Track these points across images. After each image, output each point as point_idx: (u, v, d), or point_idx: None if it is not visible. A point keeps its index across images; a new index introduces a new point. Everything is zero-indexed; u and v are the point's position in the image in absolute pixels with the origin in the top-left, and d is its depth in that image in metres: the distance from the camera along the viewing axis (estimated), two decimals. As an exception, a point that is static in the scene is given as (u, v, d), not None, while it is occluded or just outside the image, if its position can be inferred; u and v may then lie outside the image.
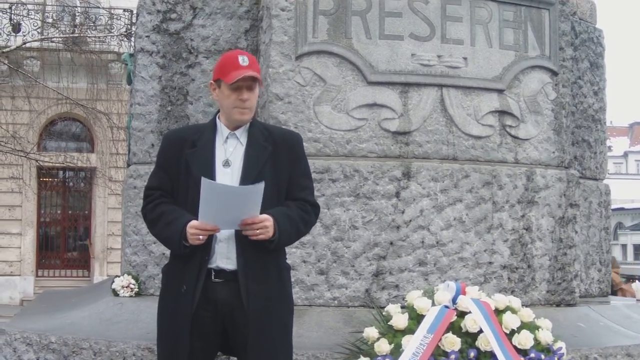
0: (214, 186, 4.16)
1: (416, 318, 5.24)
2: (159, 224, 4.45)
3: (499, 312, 5.29)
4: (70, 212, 29.43)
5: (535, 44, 7.68)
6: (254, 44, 7.67)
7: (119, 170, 23.99)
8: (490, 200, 7.22)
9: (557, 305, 7.43)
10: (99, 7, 25.99)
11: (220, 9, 7.76)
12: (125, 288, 7.50)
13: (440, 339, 5.09)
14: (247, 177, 4.32)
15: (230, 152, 4.42)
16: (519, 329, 5.22)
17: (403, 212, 7.00)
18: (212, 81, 4.55)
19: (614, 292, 12.94)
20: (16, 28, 25.25)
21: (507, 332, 5.19)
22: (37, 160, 24.60)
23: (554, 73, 7.72)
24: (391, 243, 6.95)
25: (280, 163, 4.42)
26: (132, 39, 18.40)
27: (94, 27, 25.99)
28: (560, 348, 5.29)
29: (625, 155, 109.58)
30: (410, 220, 7.01)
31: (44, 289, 19.27)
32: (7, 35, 25.35)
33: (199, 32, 7.79)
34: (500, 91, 7.46)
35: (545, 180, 7.46)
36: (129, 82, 8.70)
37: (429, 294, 5.42)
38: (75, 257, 29.09)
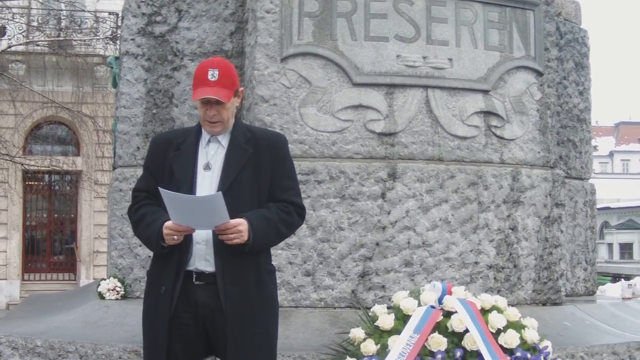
0: (172, 196, 4.18)
1: (402, 318, 5.25)
2: (141, 224, 4.47)
3: (485, 312, 5.31)
4: (56, 215, 29.32)
5: (521, 45, 7.70)
6: (239, 46, 7.67)
7: (105, 174, 23.95)
8: (476, 201, 7.24)
9: (543, 305, 7.46)
10: (84, 11, 25.92)
11: (206, 12, 7.76)
12: (111, 291, 7.49)
13: (427, 339, 5.10)
14: (225, 180, 4.32)
15: (211, 155, 4.43)
16: (505, 328, 5.24)
17: (389, 213, 7.01)
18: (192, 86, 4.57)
19: None
20: (1, 32, 25.16)
21: (493, 331, 5.20)
22: (22, 164, 24.49)
23: (539, 73, 7.74)
24: (377, 244, 6.96)
25: (261, 165, 4.41)
26: (118, 42, 18.38)
27: (79, 31, 25.92)
28: (547, 347, 5.31)
29: (611, 154, 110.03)
30: (396, 221, 7.02)
31: (30, 293, 19.22)
32: (-8, 38, 25.29)
33: (184, 35, 7.79)
34: (485, 92, 7.48)
35: (531, 180, 7.48)
36: (115, 85, 8.69)
37: (415, 294, 5.43)
38: (61, 260, 28.98)
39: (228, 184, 4.30)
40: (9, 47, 24.44)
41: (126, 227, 7.62)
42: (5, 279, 27.15)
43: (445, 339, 5.11)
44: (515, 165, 7.52)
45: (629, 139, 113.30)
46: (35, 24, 25.31)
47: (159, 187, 4.22)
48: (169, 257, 4.35)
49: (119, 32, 18.44)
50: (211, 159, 4.42)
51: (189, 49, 7.77)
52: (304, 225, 6.69)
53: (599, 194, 9.65)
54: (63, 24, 26.00)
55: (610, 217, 64.95)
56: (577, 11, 9.44)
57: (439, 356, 5.04)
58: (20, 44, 24.83)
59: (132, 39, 7.89)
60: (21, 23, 25.14)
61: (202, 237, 4.31)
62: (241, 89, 4.53)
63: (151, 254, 7.10)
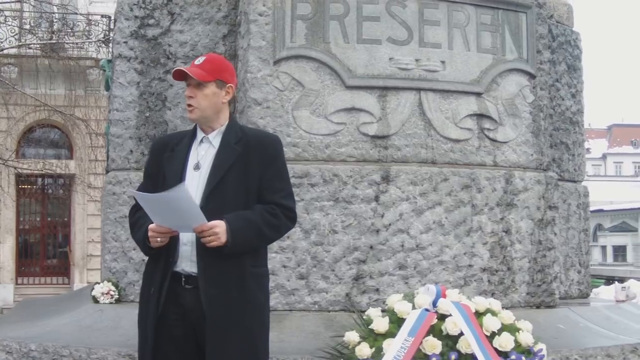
0: (143, 197, 4.21)
1: (397, 321, 5.25)
2: (134, 228, 4.52)
3: (479, 315, 5.30)
4: (49, 219, 29.29)
5: (513, 47, 7.71)
6: (232, 49, 7.67)
7: (98, 177, 23.91)
8: (469, 204, 7.24)
9: (537, 307, 7.46)
10: (76, 13, 25.88)
11: (198, 15, 7.76)
12: (105, 295, 7.48)
13: (421, 342, 5.09)
14: (212, 180, 4.32)
15: (201, 156, 4.44)
16: (500, 331, 5.23)
17: (382, 216, 7.01)
18: None
19: None
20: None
21: (488, 334, 5.20)
22: (15, 168, 24.47)
23: (532, 76, 7.75)
24: (371, 247, 6.96)
25: (250, 165, 4.39)
26: (110, 45, 18.35)
27: (71, 34, 25.88)
28: (541, 350, 5.30)
29: (604, 157, 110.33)
30: (390, 224, 7.01)
31: (23, 297, 19.21)
32: (-16, 42, 25.25)
33: (177, 38, 7.78)
34: (478, 94, 7.48)
35: (524, 182, 7.49)
36: (107, 88, 8.68)
37: (410, 297, 5.43)
38: (55, 264, 28.94)
39: (214, 184, 4.31)
40: (1, 50, 24.41)
41: (120, 231, 7.62)
42: (-1, 283, 27.11)
43: (439, 342, 5.10)
44: (509, 167, 7.53)
45: (622, 141, 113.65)
46: (27, 27, 25.28)
47: (131, 191, 4.26)
48: (158, 259, 4.37)
49: (111, 35, 18.42)
50: (201, 158, 4.43)
51: (182, 52, 7.76)
52: (297, 228, 6.69)
53: (592, 197, 9.66)
54: (55, 26, 25.96)
55: (603, 220, 65.04)
56: (570, 13, 9.45)
57: (434, 359, 5.03)
58: (12, 47, 24.80)
59: (124, 42, 7.89)
60: (13, 26, 25.11)
61: (188, 238, 4.31)
62: (229, 85, 4.52)
63: (145, 257, 7.12)
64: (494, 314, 5.34)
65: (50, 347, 6.35)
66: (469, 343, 5.08)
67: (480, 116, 7.47)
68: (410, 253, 7.02)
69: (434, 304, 5.30)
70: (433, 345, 5.09)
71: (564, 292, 8.53)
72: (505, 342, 5.18)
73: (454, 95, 7.41)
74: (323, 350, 5.63)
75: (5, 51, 24.62)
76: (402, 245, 7.02)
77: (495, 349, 5.17)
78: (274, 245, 6.61)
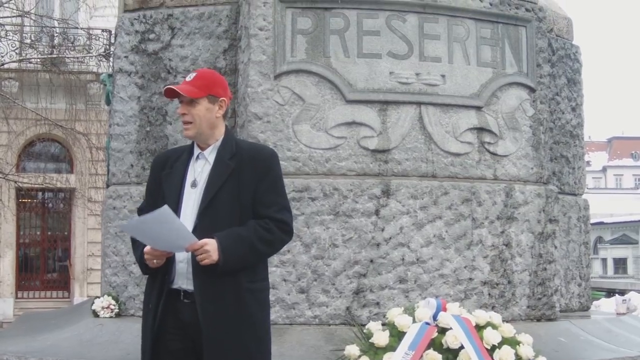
0: (128, 226, 4.27)
1: (397, 335, 5.25)
2: (134, 245, 4.52)
3: (479, 328, 5.31)
4: (49, 233, 29.25)
5: (513, 61, 7.73)
6: (233, 64, 7.68)
7: (99, 191, 23.87)
8: (469, 217, 7.25)
9: (538, 320, 7.46)
10: (77, 28, 25.89)
11: (199, 29, 7.77)
12: (105, 309, 7.48)
13: (422, 356, 5.10)
14: (207, 197, 4.32)
15: (198, 172, 4.44)
16: (500, 344, 5.24)
17: (383, 230, 7.01)
18: None
19: None
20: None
21: (488, 347, 5.20)
22: (15, 182, 24.43)
23: (532, 89, 7.76)
24: (371, 261, 6.96)
25: (244, 180, 4.37)
26: (111, 59, 18.36)
27: (72, 48, 25.90)
28: (541, 363, 5.31)
29: (604, 169, 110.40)
30: (390, 238, 7.02)
31: (23, 311, 19.15)
32: (-15, 56, 25.27)
33: (177, 52, 7.79)
34: (478, 108, 7.50)
35: (524, 196, 7.49)
36: (108, 102, 8.69)
37: (410, 311, 5.43)
38: (55, 278, 28.90)
39: (207, 201, 4.31)
40: (2, 64, 24.40)
41: (120, 245, 7.62)
42: (-1, 297, 27.07)
43: (440, 356, 5.11)
44: (509, 181, 7.54)
45: (622, 153, 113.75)
46: (28, 41, 25.30)
47: (120, 223, 4.29)
48: (155, 276, 4.39)
49: (112, 49, 18.44)
50: (198, 175, 4.43)
51: (183, 66, 7.77)
52: (297, 242, 6.70)
53: (592, 209, 9.66)
54: (56, 41, 25.99)
55: (604, 232, 65.07)
56: (569, 27, 9.47)
57: (434, 373, 5.04)
58: (13, 62, 24.80)
59: (125, 57, 7.91)
60: (14, 40, 25.13)
61: (184, 256, 4.31)
62: (222, 98, 4.49)
63: (146, 272, 7.12)
64: (494, 327, 5.34)
65: (50, 362, 6.36)
66: (469, 356, 5.09)
67: (481, 130, 7.48)
68: (411, 267, 7.03)
69: (435, 317, 5.30)
70: (433, 359, 5.10)
71: (564, 305, 8.52)
72: (506, 355, 5.18)
73: (454, 109, 7.43)
74: (324, 364, 5.63)
75: (6, 65, 24.62)
76: (403, 259, 7.02)
77: (496, 363, 5.17)
78: (274, 259, 6.61)
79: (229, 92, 4.58)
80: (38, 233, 29.18)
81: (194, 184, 4.41)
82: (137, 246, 4.45)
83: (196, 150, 4.50)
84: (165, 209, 4.08)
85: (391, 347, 5.20)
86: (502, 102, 7.61)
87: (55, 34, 26.17)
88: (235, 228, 4.31)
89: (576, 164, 9.20)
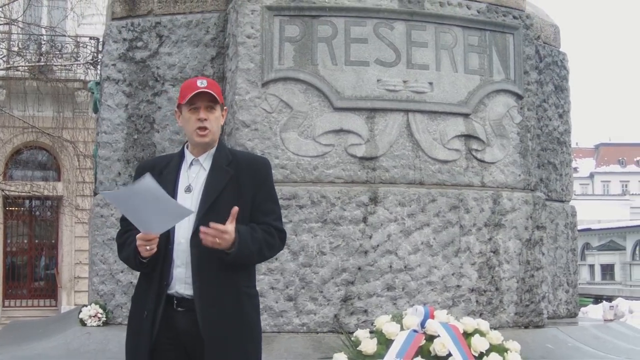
0: (112, 195, 4.19)
1: (385, 343, 5.24)
2: (124, 247, 4.46)
3: (467, 335, 5.31)
4: (36, 241, 29.14)
5: (500, 68, 7.75)
6: (220, 72, 7.68)
7: (86, 199, 23.79)
8: (457, 224, 7.26)
9: (526, 327, 7.46)
10: (64, 36, 25.84)
11: (187, 37, 7.77)
12: (92, 317, 7.45)
13: (410, 364, 5.09)
14: (206, 202, 4.30)
15: (192, 178, 4.42)
16: (488, 351, 5.24)
17: (371, 237, 7.02)
18: (176, 109, 4.56)
19: None
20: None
21: (476, 355, 5.20)
22: (2, 190, 24.36)
23: (519, 97, 7.78)
24: (359, 268, 6.96)
25: (243, 187, 4.40)
26: (99, 67, 18.32)
27: (60, 56, 25.84)
28: (529, 370, 5.31)
29: (591, 176, 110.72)
30: (378, 245, 7.02)
31: (11, 319, 19.06)
32: (-28, 64, 25.20)
33: (165, 60, 7.79)
34: (466, 115, 7.51)
35: (512, 203, 7.51)
36: (96, 110, 8.68)
37: (398, 318, 5.43)
38: (42, 286, 28.77)
39: (208, 205, 4.29)
40: (-11, 72, 24.38)
41: (107, 253, 7.60)
42: (-15, 306, 26.96)
43: (428, 363, 5.10)
44: (496, 188, 7.55)
45: (609, 160, 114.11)
46: (15, 49, 25.24)
47: (100, 192, 4.23)
48: (151, 281, 4.33)
49: (99, 57, 18.40)
50: (192, 181, 4.41)
51: (170, 74, 7.77)
52: (285, 250, 6.70)
53: (579, 216, 9.68)
54: (43, 49, 25.92)
55: (591, 239, 65.19)
56: (556, 34, 9.50)
57: (422, 380, 5.03)
58: (0, 69, 24.75)
59: (113, 64, 7.90)
60: (1, 48, 25.08)
61: (182, 260, 4.29)
62: (225, 107, 4.53)
63: (133, 280, 7.10)
64: (482, 334, 5.34)
65: (38, 371, 6.34)
66: (457, 364, 5.08)
67: (468, 137, 7.50)
68: (399, 274, 7.03)
69: (422, 324, 5.30)
70: (422, 366, 5.09)
71: (552, 312, 8.53)
72: (493, 362, 5.18)
73: (441, 116, 7.44)
74: (312, 372, 5.63)
75: (-7, 73, 24.59)
76: (391, 266, 7.02)
77: (484, 370, 5.17)
78: (262, 267, 6.61)
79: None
80: (25, 241, 29.07)
81: (188, 189, 4.39)
82: (127, 245, 4.37)
83: (189, 157, 4.47)
84: (148, 176, 4.02)
85: (379, 355, 5.19)
86: (490, 109, 7.63)
87: (43, 42, 26.11)
88: (247, 227, 4.29)
89: (563, 170, 9.23)
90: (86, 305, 7.70)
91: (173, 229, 4.24)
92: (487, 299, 7.28)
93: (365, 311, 6.93)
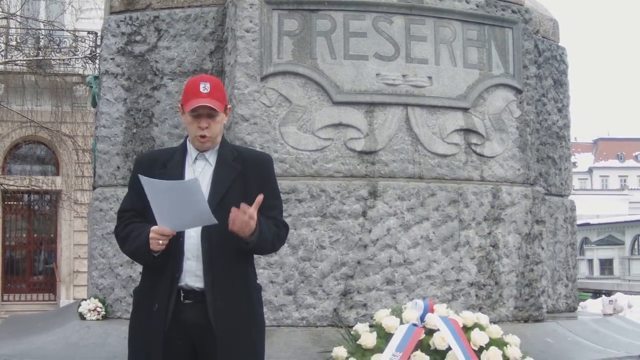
0: (151, 183, 4.17)
1: (385, 337, 5.25)
2: (129, 240, 4.43)
3: (467, 329, 5.31)
4: (35, 235, 29.14)
5: (499, 63, 7.74)
6: (219, 66, 7.67)
7: (85, 193, 23.81)
8: (456, 218, 7.25)
9: (525, 321, 7.46)
10: (63, 30, 25.84)
11: (185, 31, 7.76)
12: (92, 311, 7.45)
13: (409, 357, 5.10)
14: (215, 197, 4.31)
15: (198, 172, 4.42)
16: (488, 345, 5.25)
17: (370, 231, 7.01)
18: (179, 105, 4.55)
19: None
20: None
21: (476, 349, 5.21)
22: (1, 184, 24.37)
23: (518, 91, 7.77)
24: (359, 262, 6.96)
25: (249, 183, 4.41)
26: (97, 61, 18.31)
27: (58, 50, 25.85)
28: (529, 364, 5.32)
29: (590, 171, 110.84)
30: (378, 239, 7.02)
31: (9, 314, 19.07)
32: (-29, 59, 25.19)
33: (164, 54, 7.77)
34: (465, 110, 7.50)
35: (511, 197, 7.50)
36: (94, 104, 8.66)
37: (397, 312, 5.43)
38: (41, 280, 28.79)
39: (217, 200, 4.29)
40: (-12, 67, 24.37)
41: (107, 247, 7.59)
42: (-15, 300, 26.96)
43: (427, 357, 5.11)
44: (496, 182, 7.55)
45: (608, 155, 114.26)
46: (13, 43, 25.21)
47: (138, 175, 4.20)
48: (161, 275, 4.31)
49: (98, 51, 18.39)
50: (199, 176, 4.41)
51: (169, 68, 7.75)
52: (285, 244, 6.68)
53: (578, 210, 9.68)
54: (42, 43, 25.92)
55: (590, 233, 65.29)
56: (555, 29, 9.48)
57: (422, 374, 5.04)
58: (-2, 64, 24.76)
59: (111, 59, 7.88)
60: None
61: (193, 253, 4.30)
62: (229, 106, 4.54)
63: (132, 274, 7.10)
64: (481, 328, 5.35)
65: (37, 365, 6.33)
66: (457, 358, 5.09)
67: (467, 131, 7.49)
68: (398, 268, 7.03)
69: (422, 318, 5.31)
70: (421, 360, 5.09)
71: (551, 306, 8.53)
72: (493, 356, 5.19)
73: (440, 110, 7.43)
74: (311, 366, 5.62)
75: (-9, 68, 24.57)
76: (390, 260, 7.02)
77: (484, 364, 5.18)
78: (261, 261, 6.61)
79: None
80: (24, 235, 29.08)
81: None
82: (134, 238, 4.35)
83: (193, 152, 4.47)
84: (195, 180, 4.10)
85: (378, 349, 5.20)
86: (489, 104, 7.62)
87: (41, 36, 26.11)
88: (261, 218, 4.30)
89: (562, 165, 9.22)
90: (85, 299, 7.70)
91: None
92: (487, 293, 7.28)
93: (365, 305, 6.93)
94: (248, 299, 4.39)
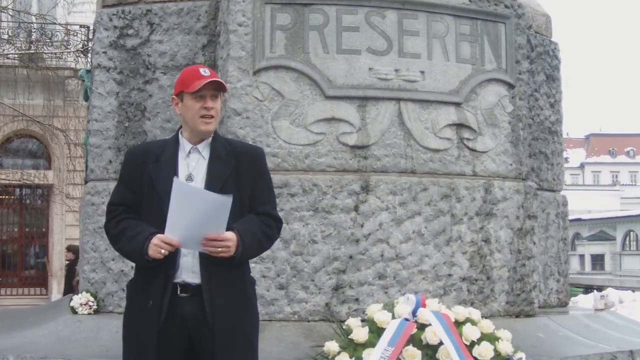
0: (181, 187, 4.14)
1: (376, 331, 5.26)
2: (122, 239, 4.40)
3: (459, 324, 5.32)
4: (27, 229, 29.08)
5: (492, 57, 7.74)
6: (212, 60, 7.65)
7: (77, 187, 23.77)
8: (448, 213, 7.26)
9: (517, 316, 7.47)
10: (55, 23, 25.76)
11: (178, 25, 7.74)
12: (83, 306, 7.44)
13: (401, 352, 5.11)
14: (212, 190, 4.30)
15: (192, 167, 4.40)
16: (479, 340, 5.26)
17: (362, 226, 7.01)
18: (174, 96, 4.52)
19: None
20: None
21: (468, 343, 5.22)
22: (-7, 178, 24.33)
23: (511, 86, 7.78)
24: (351, 257, 6.96)
25: (242, 177, 4.41)
26: (89, 55, 18.27)
27: (50, 44, 25.78)
28: (521, 358, 5.33)
29: (582, 166, 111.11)
30: (370, 234, 7.02)
31: (1, 308, 19.05)
32: (-38, 52, 25.11)
33: (156, 48, 7.76)
34: (457, 104, 7.50)
35: (503, 192, 7.51)
36: (86, 98, 8.64)
37: (389, 307, 5.44)
38: (32, 275, 28.75)
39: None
40: (-21, 60, 24.29)
41: (99, 241, 7.58)
42: (-24, 294, 26.91)
43: (419, 352, 5.12)
44: (488, 177, 7.55)
45: (600, 150, 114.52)
46: (5, 36, 25.13)
47: (174, 178, 4.19)
48: (156, 271, 4.29)
49: (90, 45, 18.35)
50: (193, 170, 4.40)
51: (161, 62, 7.74)
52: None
53: (570, 206, 9.69)
54: (34, 36, 25.85)
55: (581, 229, 65.42)
56: (548, 24, 9.49)
57: (413, 369, 5.04)
58: (-10, 57, 24.68)
59: (104, 52, 7.86)
60: (-9, 36, 25.00)
61: (189, 249, 4.30)
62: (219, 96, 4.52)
63: (124, 268, 7.10)
64: (473, 323, 5.36)
65: (28, 358, 6.31)
66: (448, 352, 5.10)
67: (460, 126, 7.49)
68: (390, 263, 7.03)
69: (414, 313, 5.32)
70: (413, 355, 5.11)
71: (543, 301, 8.54)
72: (484, 351, 5.20)
73: (433, 105, 7.43)
74: (303, 360, 5.63)
75: (-17, 61, 24.50)
76: (382, 255, 7.02)
77: (475, 358, 5.19)
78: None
79: None
80: (15, 230, 29.02)
81: (189, 178, 4.37)
82: (129, 238, 4.32)
83: (187, 145, 4.45)
84: (229, 198, 4.09)
85: (370, 343, 5.21)
86: (481, 99, 7.62)
87: (33, 30, 26.03)
88: (245, 221, 4.33)
89: (555, 160, 9.23)
90: (77, 294, 7.69)
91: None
92: (479, 288, 7.29)
93: (357, 300, 6.93)
94: (244, 294, 4.40)
